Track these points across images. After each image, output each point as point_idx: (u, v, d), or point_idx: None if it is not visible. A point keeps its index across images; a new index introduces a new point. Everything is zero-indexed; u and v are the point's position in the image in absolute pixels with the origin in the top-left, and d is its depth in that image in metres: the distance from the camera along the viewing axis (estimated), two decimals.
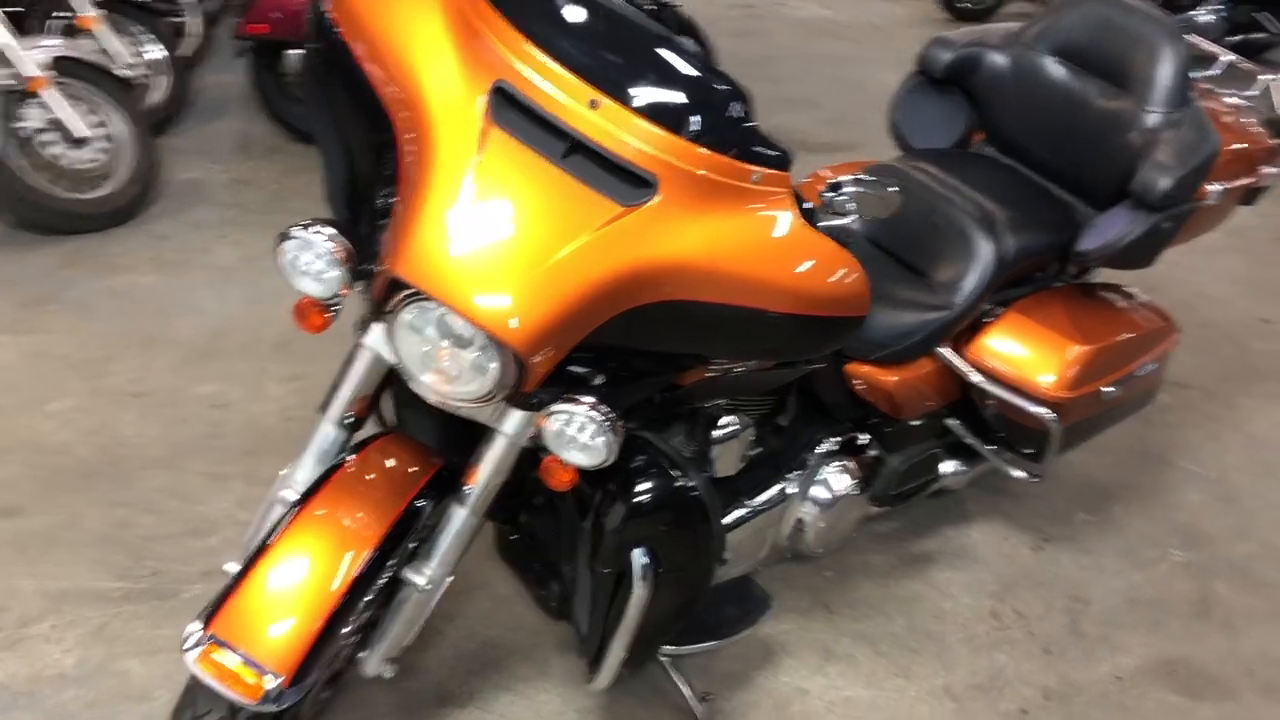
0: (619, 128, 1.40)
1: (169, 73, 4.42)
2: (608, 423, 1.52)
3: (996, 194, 2.35)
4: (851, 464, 2.23)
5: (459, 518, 1.72)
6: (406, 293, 1.41)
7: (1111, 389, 2.35)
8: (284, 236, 1.56)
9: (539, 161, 1.41)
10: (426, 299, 1.40)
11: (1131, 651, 2.41)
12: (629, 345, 1.59)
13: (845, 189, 1.59)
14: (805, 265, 1.57)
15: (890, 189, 1.60)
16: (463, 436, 1.91)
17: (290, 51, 4.15)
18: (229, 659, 1.51)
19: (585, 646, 1.86)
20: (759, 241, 1.51)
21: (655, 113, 1.41)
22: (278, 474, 1.80)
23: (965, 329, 2.29)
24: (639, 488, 1.68)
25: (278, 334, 3.16)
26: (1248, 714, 2.29)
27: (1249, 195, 2.54)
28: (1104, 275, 2.57)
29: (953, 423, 2.45)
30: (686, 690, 2.10)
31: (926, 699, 2.23)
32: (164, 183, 3.97)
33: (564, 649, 2.24)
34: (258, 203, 3.98)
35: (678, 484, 1.72)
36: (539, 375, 1.45)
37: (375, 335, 1.65)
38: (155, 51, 4.40)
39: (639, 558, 1.70)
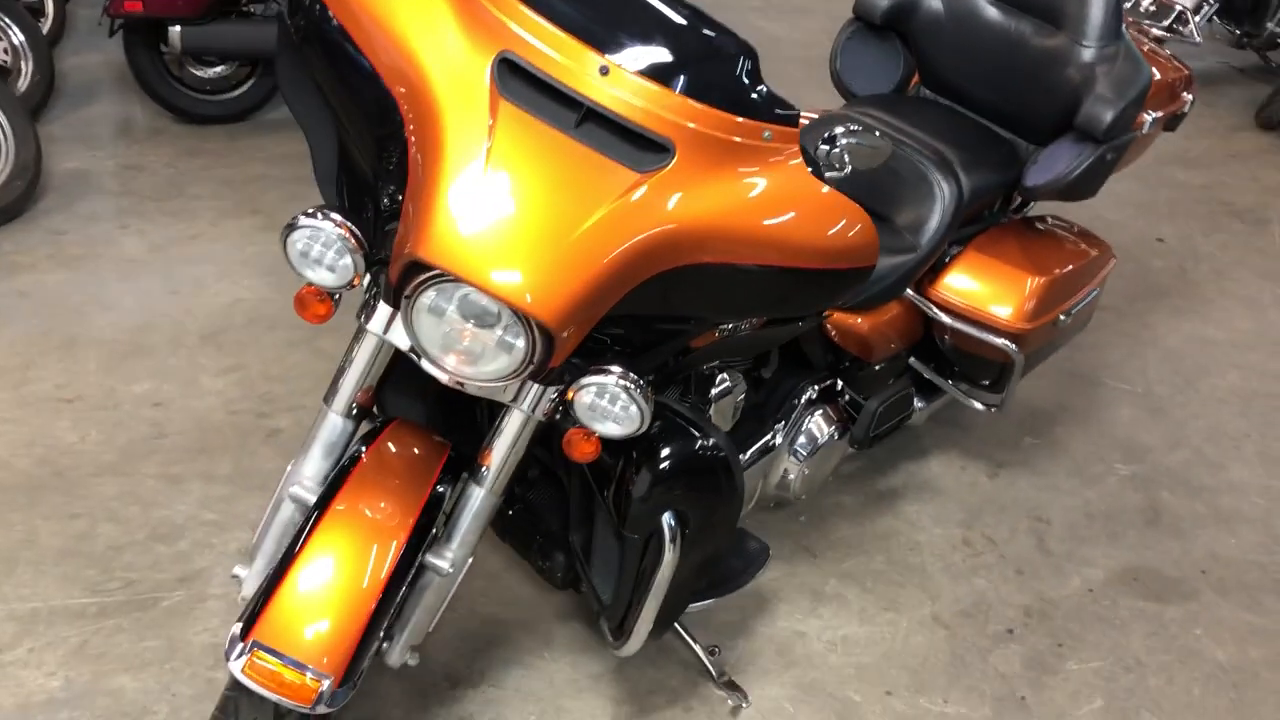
0: (632, 93, 1.39)
1: (33, 57, 4.15)
2: (639, 390, 1.52)
3: (945, 136, 2.40)
4: (831, 411, 2.28)
5: (477, 498, 1.70)
6: (427, 275, 1.38)
7: (1065, 317, 2.45)
8: (291, 226, 1.50)
9: (552, 133, 1.39)
10: (449, 280, 1.37)
11: (1096, 564, 2.54)
12: (652, 313, 1.59)
13: (840, 142, 1.62)
14: (820, 220, 1.59)
15: (879, 138, 1.63)
16: (465, 417, 1.89)
17: (174, 28, 3.95)
18: (277, 664, 1.47)
19: (610, 614, 1.86)
20: (776, 199, 1.52)
21: (667, 76, 1.40)
22: (284, 469, 1.75)
23: (927, 270, 2.35)
24: (664, 452, 1.68)
25: (203, 325, 3.04)
26: (1209, 612, 2.43)
27: (1172, 121, 2.66)
28: (1039, 209, 2.66)
29: (915, 362, 2.52)
30: (696, 646, 2.12)
31: (918, 629, 2.31)
32: (47, 174, 3.75)
33: (565, 618, 2.24)
34: (153, 189, 3.79)
35: (700, 444, 1.72)
36: (567, 349, 1.43)
37: (379, 321, 1.60)
38: (15, 35, 4.13)
39: (668, 521, 1.71)
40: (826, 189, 1.57)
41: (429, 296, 1.41)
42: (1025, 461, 2.85)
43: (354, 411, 1.71)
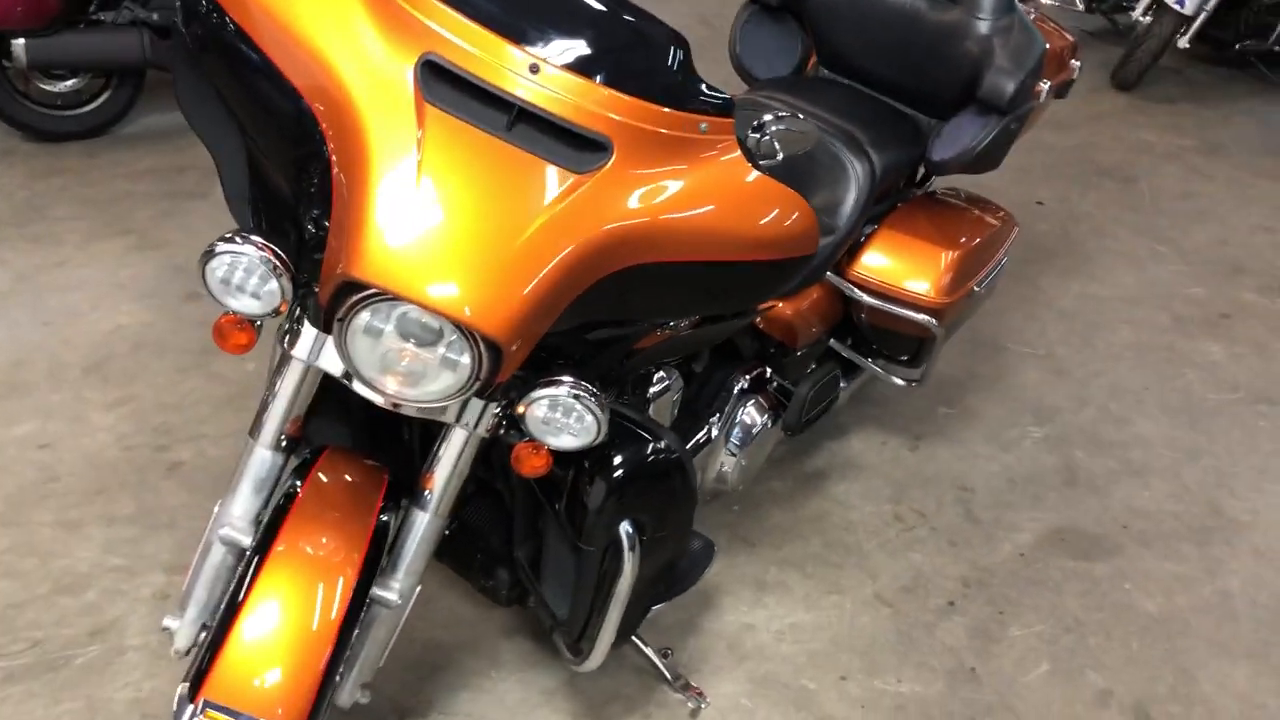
0: (565, 90, 1.33)
1: None
2: (594, 400, 1.47)
3: (850, 115, 2.40)
4: (763, 399, 2.26)
5: (422, 523, 1.63)
6: (361, 295, 1.30)
7: (979, 287, 2.48)
8: (210, 253, 1.39)
9: (483, 137, 1.32)
10: (386, 299, 1.29)
11: (1023, 528, 2.58)
12: (599, 318, 1.54)
13: (769, 129, 1.58)
14: (762, 210, 1.56)
15: (805, 124, 1.61)
16: (398, 440, 1.81)
17: (17, 41, 3.69)
18: None
19: (567, 629, 1.80)
20: (716, 192, 1.48)
21: (600, 71, 1.34)
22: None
23: (844, 252, 2.34)
24: (617, 460, 1.63)
25: (84, 356, 2.85)
26: (1134, 565, 2.50)
27: (1062, 89, 2.71)
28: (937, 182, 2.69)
29: (834, 342, 2.52)
30: (648, 650, 2.08)
31: (863, 610, 2.31)
32: None
33: (510, 634, 2.17)
34: (10, 214, 3.54)
35: (653, 449, 1.68)
36: (515, 362, 1.37)
37: (305, 346, 1.51)
38: None
39: (625, 530, 1.66)
40: (764, 179, 1.54)
41: (364, 317, 1.33)
42: (942, 432, 2.88)
43: (283, 444, 1.61)
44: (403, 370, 1.37)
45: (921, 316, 2.34)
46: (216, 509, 1.64)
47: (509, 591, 1.94)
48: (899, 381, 2.57)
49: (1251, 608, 2.39)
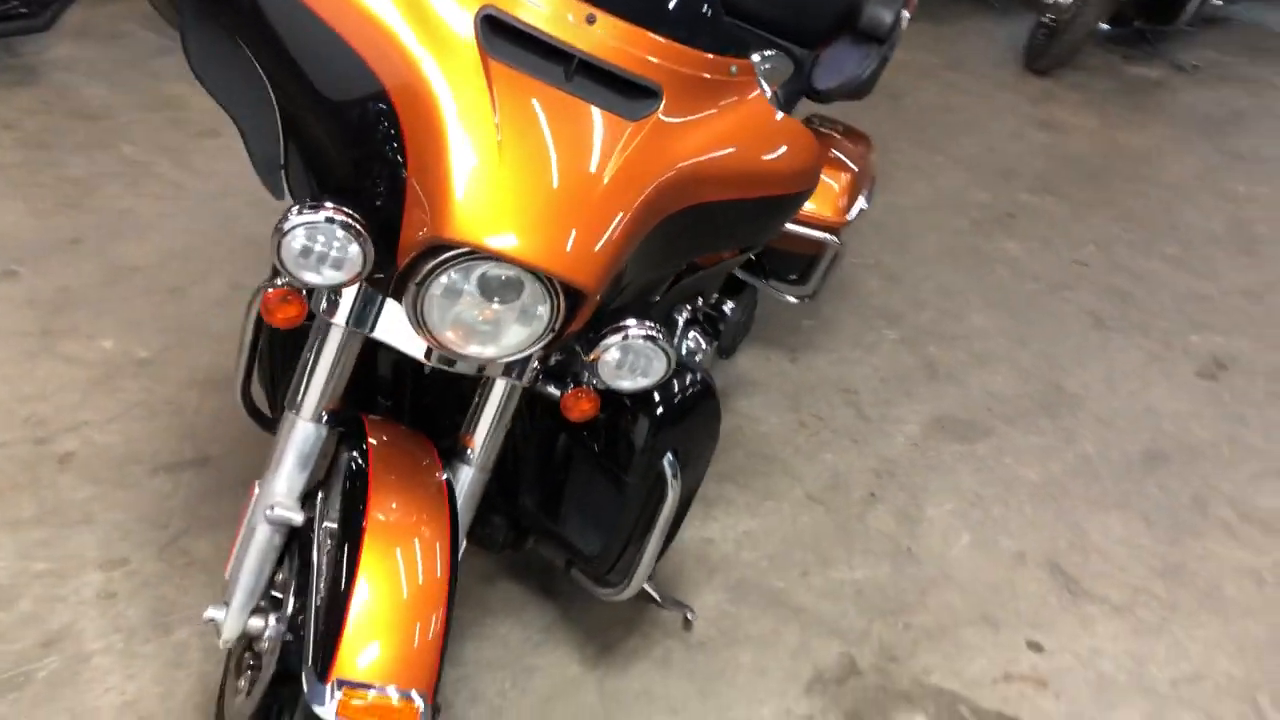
0: (621, 40, 1.37)
1: None
2: (664, 338, 1.53)
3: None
4: (705, 327, 2.36)
5: (468, 478, 1.65)
6: (447, 256, 1.30)
7: (866, 204, 2.68)
8: (282, 227, 1.33)
9: (549, 90, 1.34)
10: (475, 257, 1.30)
11: (908, 420, 2.85)
12: (651, 262, 1.59)
13: (758, 69, 1.68)
14: (785, 145, 1.65)
15: (779, 57, 1.72)
16: (426, 403, 1.82)
17: None
18: (372, 697, 1.36)
19: (597, 564, 1.85)
20: (749, 131, 1.56)
21: (652, 20, 1.40)
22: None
23: None
24: (658, 396, 1.70)
25: None
26: (1007, 442, 2.82)
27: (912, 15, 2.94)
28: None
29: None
30: None
31: (800, 510, 2.49)
32: None
33: (489, 580, 2.20)
34: None
35: (690, 380, 1.75)
36: (590, 311, 1.42)
37: (344, 313, 1.48)
38: None
39: (668, 461, 1.74)
40: (786, 117, 1.63)
41: (444, 279, 1.33)
42: (812, 343, 3.10)
43: (324, 417, 1.57)
44: (479, 328, 1.38)
45: (826, 236, 2.52)
46: (256, 490, 1.58)
47: (505, 537, 1.97)
48: (793, 299, 2.74)
49: (1108, 466, 2.77)
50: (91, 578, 2.10)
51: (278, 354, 1.84)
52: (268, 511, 1.56)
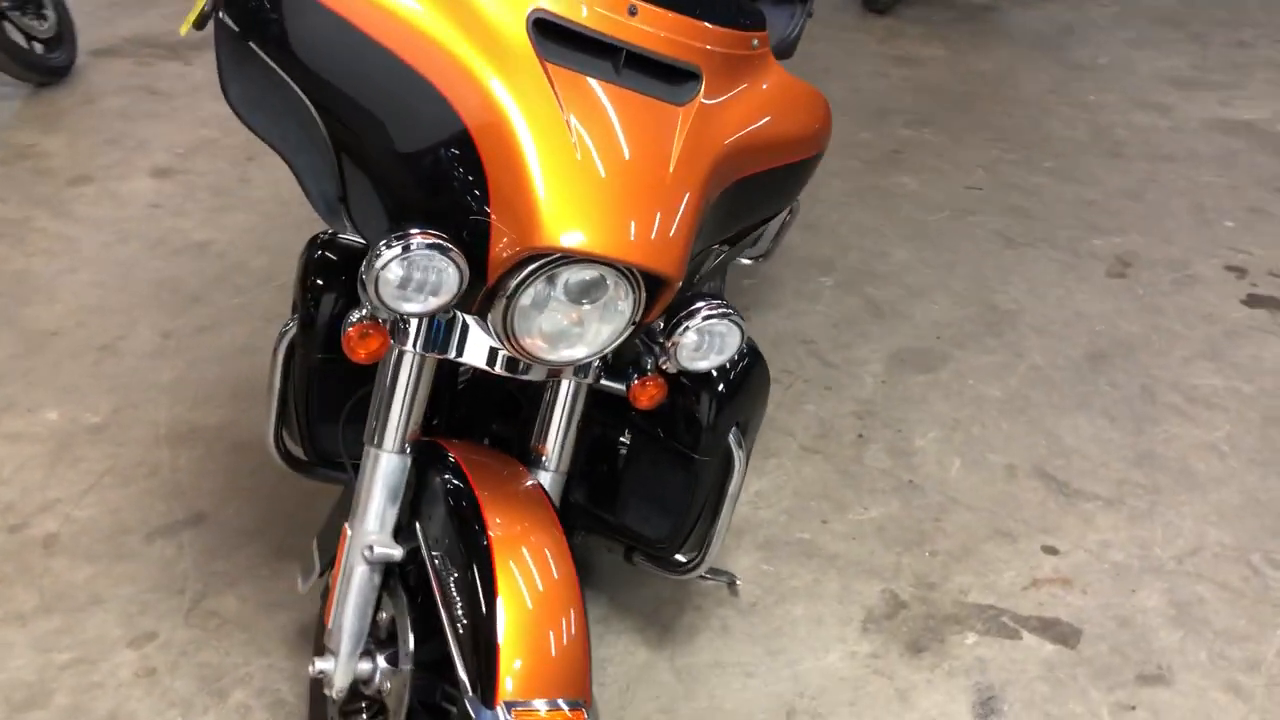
0: (661, 28, 1.39)
1: None
2: (735, 314, 1.56)
3: None
4: None
5: (550, 482, 1.66)
6: (539, 264, 1.31)
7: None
8: (375, 263, 1.29)
9: (606, 87, 1.36)
10: (568, 262, 1.31)
11: (870, 360, 2.95)
12: (704, 240, 1.61)
13: None
14: (804, 110, 1.69)
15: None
16: (484, 417, 1.81)
17: None
18: (546, 713, 1.36)
19: (665, 545, 1.86)
20: (775, 100, 1.60)
21: (686, 4, 1.42)
22: (344, 533, 1.55)
23: None
24: (717, 371, 1.72)
25: None
26: (964, 364, 2.95)
27: None
28: None
29: None
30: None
31: (801, 463, 2.56)
32: None
33: None
34: None
35: (744, 353, 1.77)
36: (670, 297, 1.44)
37: (417, 339, 1.46)
38: None
39: (734, 434, 1.77)
40: (799, 80, 1.67)
41: (535, 288, 1.33)
42: (759, 301, 3.17)
43: (408, 448, 1.55)
44: (569, 332, 1.39)
45: None
46: (349, 533, 1.55)
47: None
48: (747, 261, 2.80)
49: (1059, 372, 2.93)
50: (123, 657, 2.00)
51: (314, 396, 1.78)
52: (366, 552, 1.53)
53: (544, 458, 1.65)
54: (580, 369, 1.56)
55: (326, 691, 1.59)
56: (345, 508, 1.77)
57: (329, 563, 1.76)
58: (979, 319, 3.15)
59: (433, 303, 1.35)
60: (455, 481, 1.52)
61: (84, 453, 2.48)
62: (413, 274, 1.32)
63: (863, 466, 2.56)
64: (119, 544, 2.25)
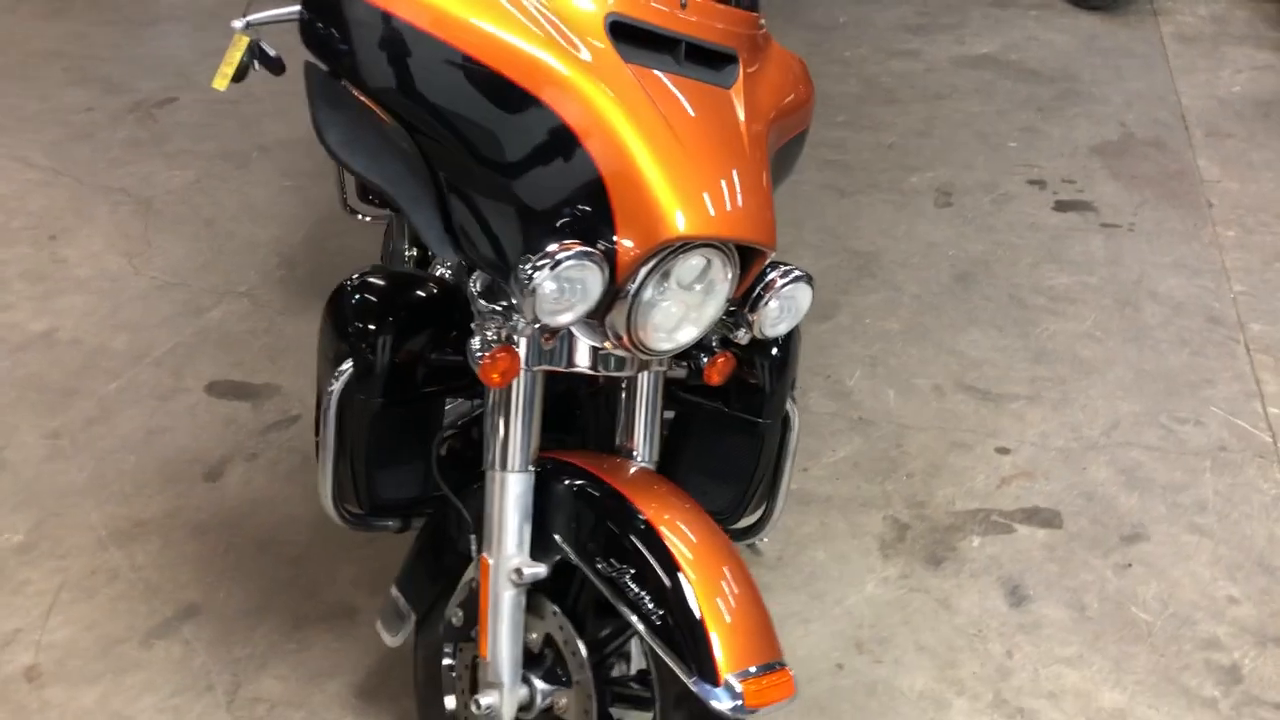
0: (706, 16, 1.46)
1: None
2: (805, 274, 1.64)
3: None
4: None
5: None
6: (659, 258, 1.36)
7: None
8: (527, 282, 1.29)
9: (671, 78, 1.42)
10: (682, 250, 1.36)
11: None
12: None
13: None
14: (802, 82, 1.79)
15: None
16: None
17: None
18: (765, 678, 1.40)
19: (727, 518, 1.90)
20: (785, 75, 1.70)
21: None
22: (484, 562, 1.53)
23: None
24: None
25: None
26: (856, 305, 3.15)
27: None
28: None
29: None
30: None
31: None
32: None
33: None
34: None
35: None
36: (760, 268, 1.52)
37: (529, 353, 1.48)
38: None
39: (790, 394, 1.85)
40: (793, 54, 1.78)
41: (654, 280, 1.38)
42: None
43: (534, 466, 1.54)
44: (686, 318, 1.44)
45: None
46: (489, 560, 1.52)
47: None
48: None
49: (937, 297, 3.19)
50: None
51: (377, 444, 1.72)
52: (514, 576, 1.51)
53: (634, 451, 1.66)
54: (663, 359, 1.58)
55: None
56: (434, 548, 1.73)
57: (429, 606, 1.72)
58: (848, 265, 3.37)
59: (580, 310, 1.35)
60: (592, 486, 1.52)
61: (24, 575, 2.25)
62: (563, 285, 1.32)
63: (813, 415, 2.70)
64: (115, 657, 2.07)
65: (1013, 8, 5.45)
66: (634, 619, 1.43)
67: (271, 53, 1.60)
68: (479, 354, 1.41)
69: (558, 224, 1.35)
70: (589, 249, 1.31)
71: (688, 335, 1.46)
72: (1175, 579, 2.23)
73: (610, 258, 1.33)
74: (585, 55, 1.33)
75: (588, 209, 1.34)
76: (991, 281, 3.25)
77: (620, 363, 1.51)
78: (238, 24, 1.50)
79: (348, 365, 1.69)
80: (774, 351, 1.78)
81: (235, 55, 1.41)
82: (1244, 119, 4.28)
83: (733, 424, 1.83)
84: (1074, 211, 3.63)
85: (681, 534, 1.47)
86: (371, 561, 2.25)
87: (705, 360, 1.65)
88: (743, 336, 1.62)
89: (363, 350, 1.67)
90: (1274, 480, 2.50)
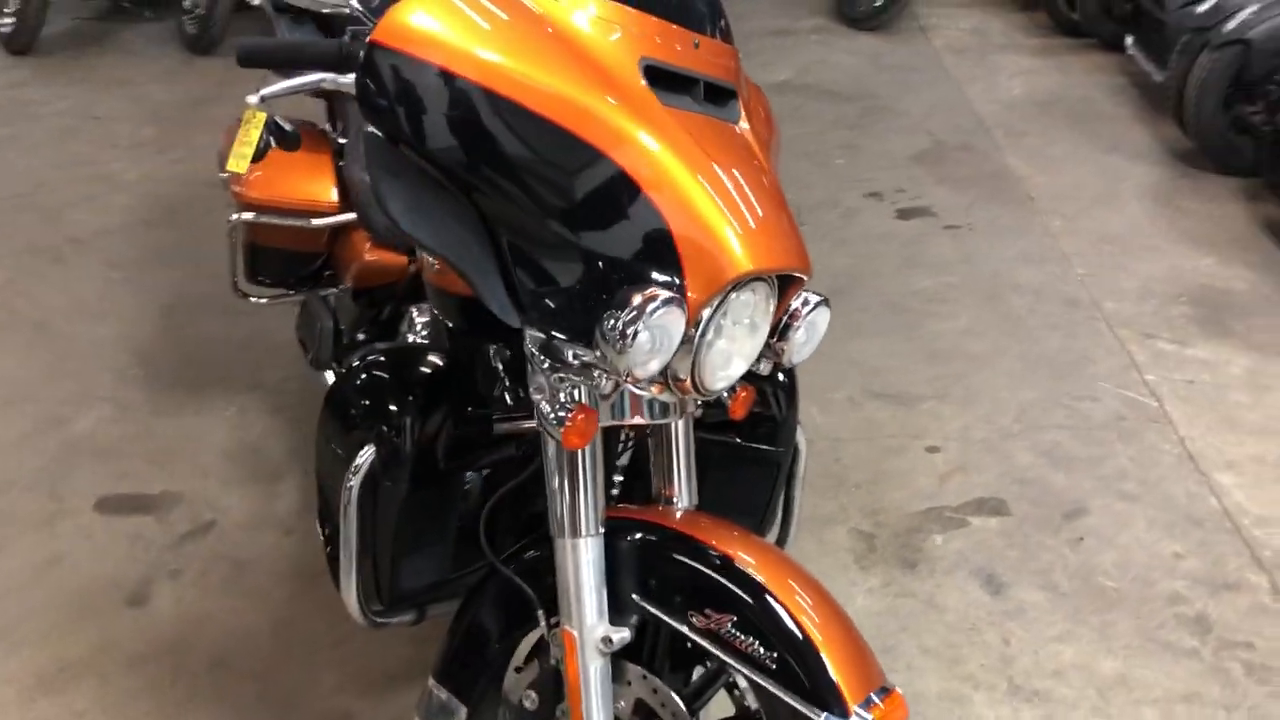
0: (717, 56, 1.49)
1: None
2: (824, 299, 1.65)
3: None
4: None
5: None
6: (719, 300, 1.36)
7: None
8: (621, 333, 1.24)
9: (706, 120, 1.43)
10: (740, 287, 1.37)
11: None
12: None
13: None
14: (770, 114, 1.82)
15: None
16: None
17: None
18: (888, 698, 1.39)
19: None
20: (761, 107, 1.73)
21: (726, 33, 1.54)
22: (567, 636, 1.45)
23: None
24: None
25: None
26: None
27: None
28: None
29: None
30: None
31: None
32: None
33: None
34: None
35: None
36: (792, 296, 1.54)
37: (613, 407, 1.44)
38: None
39: (799, 425, 1.86)
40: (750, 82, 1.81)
41: (714, 322, 1.37)
42: None
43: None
44: (739, 354, 1.43)
45: None
46: (571, 632, 1.45)
47: None
48: None
49: None
50: None
51: (404, 531, 1.62)
52: (603, 645, 1.45)
53: (674, 498, 1.62)
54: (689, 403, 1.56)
55: None
56: (478, 632, 1.63)
57: (481, 696, 1.62)
58: None
59: (664, 359, 1.31)
60: (661, 537, 1.48)
61: None
62: (653, 334, 1.28)
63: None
64: None
65: (793, 35, 5.72)
66: (744, 668, 1.39)
67: (288, 128, 1.48)
68: (557, 418, 1.34)
69: (629, 275, 1.30)
70: (672, 294, 1.27)
71: (738, 371, 1.43)
72: (1124, 545, 2.38)
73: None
74: (628, 100, 1.30)
75: (655, 256, 1.30)
76: (864, 292, 3.38)
77: (665, 409, 1.48)
78: (253, 99, 1.37)
79: (368, 453, 1.58)
80: (782, 379, 1.79)
81: (253, 133, 1.29)
82: (1031, 118, 4.65)
83: (748, 456, 1.82)
84: (917, 218, 3.82)
85: (769, 570, 1.44)
86: (350, 663, 2.10)
87: (728, 396, 1.63)
88: (765, 367, 1.61)
89: (386, 435, 1.57)
90: (1173, 440, 2.70)
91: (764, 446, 1.80)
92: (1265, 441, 2.70)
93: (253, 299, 2.53)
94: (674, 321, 1.28)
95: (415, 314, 2.01)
